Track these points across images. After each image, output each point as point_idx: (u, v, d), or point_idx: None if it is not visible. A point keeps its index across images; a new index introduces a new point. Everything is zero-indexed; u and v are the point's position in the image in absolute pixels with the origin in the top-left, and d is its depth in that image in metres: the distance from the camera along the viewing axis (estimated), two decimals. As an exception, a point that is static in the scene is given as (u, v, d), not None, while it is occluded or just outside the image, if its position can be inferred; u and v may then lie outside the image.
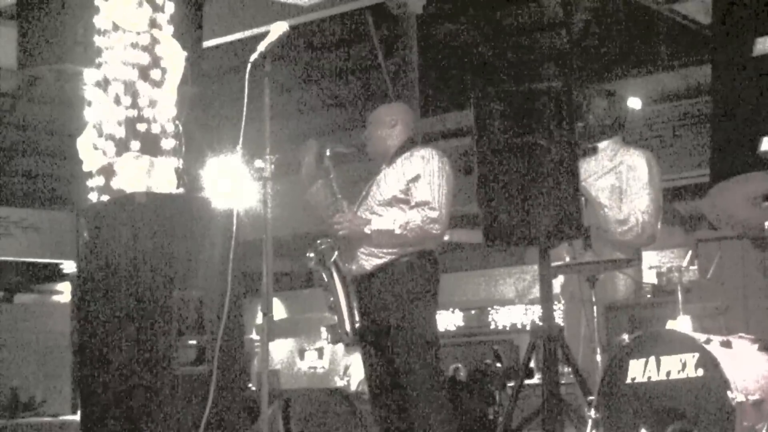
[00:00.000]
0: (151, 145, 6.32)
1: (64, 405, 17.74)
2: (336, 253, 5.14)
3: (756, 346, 4.56)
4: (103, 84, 6.40)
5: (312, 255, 5.19)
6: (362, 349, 5.32)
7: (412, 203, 5.22)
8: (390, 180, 5.32)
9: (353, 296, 5.16)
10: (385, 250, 5.22)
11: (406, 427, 5.20)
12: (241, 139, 4.54)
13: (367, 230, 5.19)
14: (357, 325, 5.12)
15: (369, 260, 5.24)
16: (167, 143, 6.39)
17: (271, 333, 4.30)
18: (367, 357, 5.34)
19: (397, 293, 5.17)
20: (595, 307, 5.06)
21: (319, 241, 5.23)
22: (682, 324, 4.72)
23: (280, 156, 4.40)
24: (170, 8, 6.61)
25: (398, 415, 5.24)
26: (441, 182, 5.25)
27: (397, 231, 5.16)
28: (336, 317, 5.11)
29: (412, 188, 5.24)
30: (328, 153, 5.35)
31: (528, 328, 17.87)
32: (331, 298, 5.15)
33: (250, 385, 8.87)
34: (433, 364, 5.18)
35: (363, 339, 5.18)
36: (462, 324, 19.88)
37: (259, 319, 4.32)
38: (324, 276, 5.18)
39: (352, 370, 22.85)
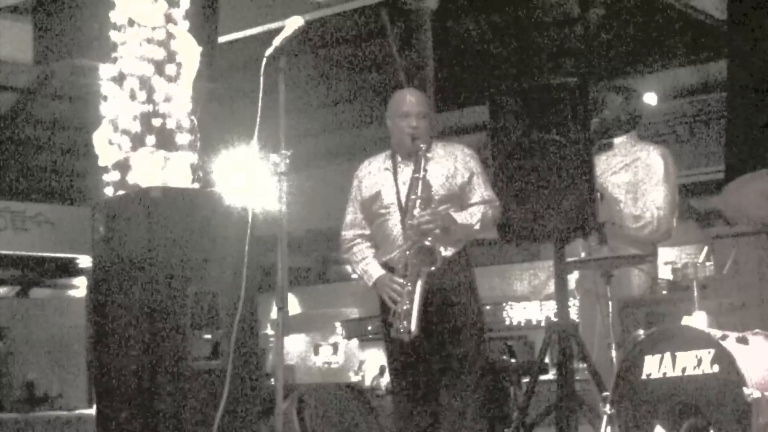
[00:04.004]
0: (166, 140, 6.35)
1: (80, 399, 17.80)
2: (440, 259, 4.80)
3: (772, 342, 4.54)
4: (119, 79, 6.43)
5: (417, 254, 4.85)
6: (405, 345, 4.94)
7: (476, 200, 5.00)
8: (439, 175, 4.99)
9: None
10: (450, 246, 5.00)
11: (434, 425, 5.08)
12: (256, 135, 4.54)
13: (454, 227, 4.91)
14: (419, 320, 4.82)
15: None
16: (182, 138, 6.41)
17: (286, 328, 4.28)
18: (410, 354, 5.01)
19: (459, 284, 4.99)
20: (610, 303, 5.04)
21: (418, 240, 4.87)
22: (697, 320, 4.70)
23: (295, 151, 4.38)
24: (186, 4, 6.64)
25: (428, 415, 5.11)
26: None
27: (477, 227, 4.96)
28: (401, 313, 4.77)
29: (469, 185, 5.00)
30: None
31: (543, 324, 17.84)
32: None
33: (272, 380, 8.87)
34: (484, 356, 5.04)
35: (417, 334, 4.84)
36: (477, 320, 19.84)
37: (274, 314, 4.31)
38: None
39: (367, 366, 22.88)
